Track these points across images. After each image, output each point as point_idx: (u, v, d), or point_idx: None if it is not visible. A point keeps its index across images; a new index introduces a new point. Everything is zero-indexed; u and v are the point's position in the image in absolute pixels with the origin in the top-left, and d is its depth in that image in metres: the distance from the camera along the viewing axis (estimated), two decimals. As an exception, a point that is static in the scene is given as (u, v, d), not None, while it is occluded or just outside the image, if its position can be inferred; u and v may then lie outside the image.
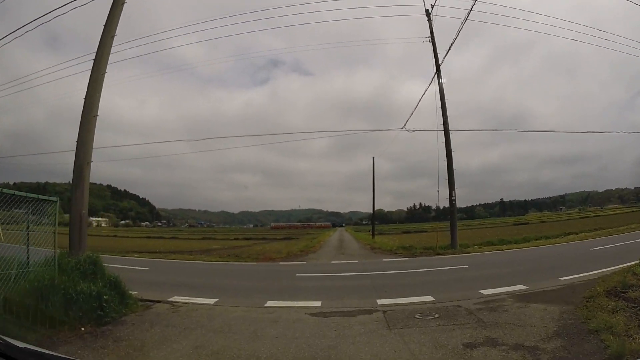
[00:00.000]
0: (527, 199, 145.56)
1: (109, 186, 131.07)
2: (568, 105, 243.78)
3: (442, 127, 21.04)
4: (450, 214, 20.94)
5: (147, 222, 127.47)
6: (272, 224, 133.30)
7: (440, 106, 21.21)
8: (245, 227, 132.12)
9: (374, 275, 11.96)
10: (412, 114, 22.26)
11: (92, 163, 8.91)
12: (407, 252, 19.98)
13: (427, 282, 10.29)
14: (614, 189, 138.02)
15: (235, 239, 47.49)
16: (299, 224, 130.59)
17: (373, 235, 35.24)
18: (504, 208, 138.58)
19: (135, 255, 22.11)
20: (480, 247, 20.16)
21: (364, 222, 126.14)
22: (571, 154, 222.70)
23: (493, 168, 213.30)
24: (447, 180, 20.72)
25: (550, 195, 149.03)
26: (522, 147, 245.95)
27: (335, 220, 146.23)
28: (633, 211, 65.34)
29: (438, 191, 20.88)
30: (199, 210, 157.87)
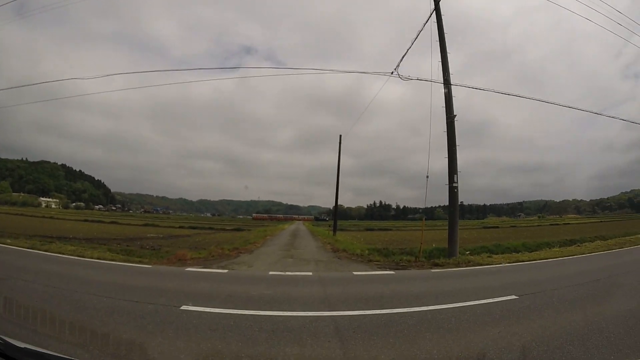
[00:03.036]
0: (486, 204, 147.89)
1: (63, 165, 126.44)
2: (534, 118, 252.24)
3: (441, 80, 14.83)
4: (449, 208, 14.65)
5: (101, 206, 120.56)
6: (254, 215, 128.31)
7: (440, 58, 15.03)
8: (202, 215, 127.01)
9: (348, 322, 5.17)
10: (403, 56, 15.87)
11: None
12: (387, 260, 13.59)
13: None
14: (570, 199, 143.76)
15: (180, 227, 43.84)
16: (280, 215, 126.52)
17: (335, 231, 28.53)
18: (464, 211, 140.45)
19: (9, 241, 15.54)
20: (489, 256, 14.09)
21: (322, 217, 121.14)
22: (531, 164, 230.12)
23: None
24: (446, 160, 14.52)
25: (509, 202, 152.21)
26: (485, 153, 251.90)
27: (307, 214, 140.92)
28: (601, 221, 64.42)
29: (427, 177, 14.63)
30: (156, 196, 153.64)
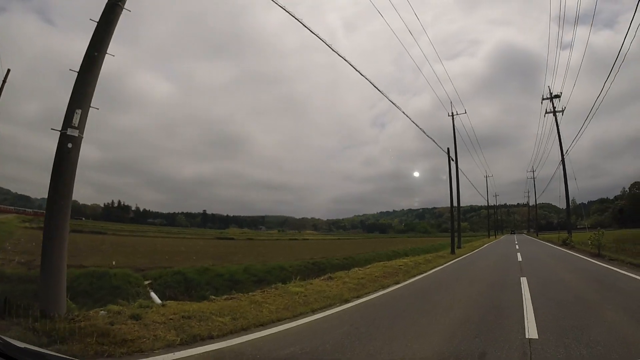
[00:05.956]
0: (229, 215, 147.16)
1: None
2: (288, 141, 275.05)
3: None
4: (52, 188, 5.03)
5: None
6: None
7: None
8: None
9: None
10: None
11: None
12: None
13: None
14: (309, 217, 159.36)
15: None
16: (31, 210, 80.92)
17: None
18: (206, 220, 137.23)
19: None
20: (201, 307, 5.53)
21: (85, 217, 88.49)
22: (277, 182, 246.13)
23: (202, 180, 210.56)
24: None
25: (252, 215, 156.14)
26: (236, 166, 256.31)
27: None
28: (339, 238, 68.94)
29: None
30: None
